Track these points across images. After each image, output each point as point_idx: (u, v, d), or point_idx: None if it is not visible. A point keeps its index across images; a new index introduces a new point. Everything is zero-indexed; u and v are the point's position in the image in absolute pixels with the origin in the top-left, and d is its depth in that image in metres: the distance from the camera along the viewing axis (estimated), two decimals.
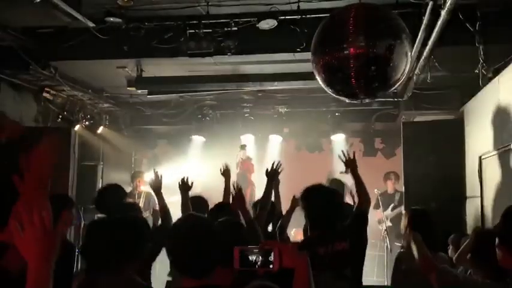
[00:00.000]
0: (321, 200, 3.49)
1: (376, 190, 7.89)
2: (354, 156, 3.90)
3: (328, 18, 3.90)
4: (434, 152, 6.79)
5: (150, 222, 7.29)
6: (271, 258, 1.78)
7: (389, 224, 7.74)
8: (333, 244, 3.36)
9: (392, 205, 8.07)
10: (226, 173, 5.10)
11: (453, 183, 6.66)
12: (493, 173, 5.50)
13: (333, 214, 3.48)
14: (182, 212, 4.42)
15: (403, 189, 7.43)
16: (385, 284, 7.81)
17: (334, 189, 3.83)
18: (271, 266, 1.78)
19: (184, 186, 4.37)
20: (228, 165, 5.21)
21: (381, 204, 7.75)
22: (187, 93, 7.56)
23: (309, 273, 1.84)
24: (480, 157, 5.93)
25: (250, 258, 1.81)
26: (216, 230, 2.26)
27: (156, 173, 4.33)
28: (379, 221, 7.90)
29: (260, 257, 1.80)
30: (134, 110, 8.85)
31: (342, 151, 3.95)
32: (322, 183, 3.97)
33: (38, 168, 1.64)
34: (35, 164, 1.65)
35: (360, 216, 3.67)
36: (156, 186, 4.26)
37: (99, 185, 8.20)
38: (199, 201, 4.70)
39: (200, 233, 2.19)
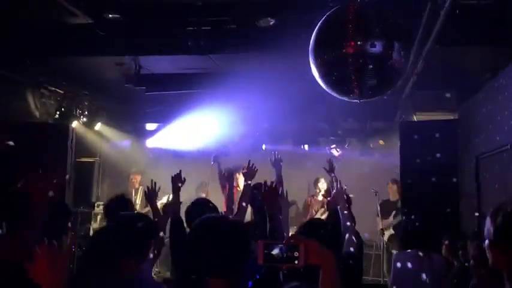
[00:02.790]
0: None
1: (373, 190, 7.89)
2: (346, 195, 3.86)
3: (327, 16, 3.89)
4: (431, 152, 6.81)
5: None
6: (297, 253, 1.72)
7: (391, 232, 7.70)
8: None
9: (394, 212, 7.98)
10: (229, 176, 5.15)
11: (450, 182, 6.68)
12: (490, 173, 5.52)
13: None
14: (172, 213, 4.31)
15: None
16: (381, 282, 7.84)
17: (335, 225, 3.65)
18: (296, 262, 1.72)
19: (177, 182, 4.13)
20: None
21: (379, 213, 7.72)
22: (185, 90, 7.55)
23: (337, 270, 1.79)
24: (477, 157, 5.94)
25: (274, 253, 1.74)
26: (240, 228, 2.23)
27: (153, 184, 4.19)
28: (381, 230, 7.83)
29: (285, 252, 1.73)
30: (132, 107, 8.83)
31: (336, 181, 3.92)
32: (323, 220, 3.87)
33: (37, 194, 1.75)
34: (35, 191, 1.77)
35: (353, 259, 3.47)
36: (151, 198, 4.14)
37: (96, 181, 8.21)
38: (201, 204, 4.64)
39: (230, 232, 2.15)
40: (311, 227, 3.15)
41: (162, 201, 7.65)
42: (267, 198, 3.32)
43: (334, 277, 1.77)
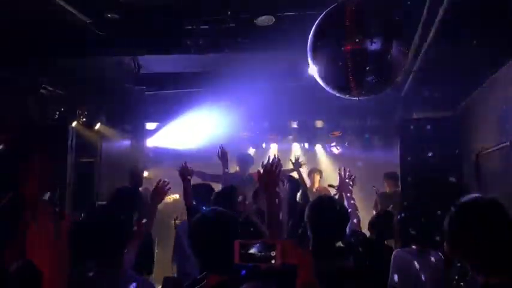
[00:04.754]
0: (329, 216, 3.29)
1: (373, 187, 7.89)
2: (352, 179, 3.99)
3: (325, 14, 3.89)
4: (431, 149, 6.81)
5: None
6: (273, 253, 1.72)
7: None
8: (334, 261, 3.26)
9: (391, 206, 7.98)
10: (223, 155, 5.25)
11: (450, 180, 6.68)
12: (490, 170, 5.52)
13: (339, 232, 3.32)
14: (185, 201, 4.46)
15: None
16: None
17: (342, 204, 3.73)
18: (273, 262, 1.72)
19: (184, 174, 4.39)
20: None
21: (379, 206, 7.71)
22: (185, 89, 7.56)
23: (313, 270, 1.79)
24: (477, 154, 5.94)
25: (251, 252, 1.74)
26: (237, 222, 2.24)
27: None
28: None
29: (262, 252, 1.73)
30: (131, 106, 8.83)
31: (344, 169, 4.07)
32: (332, 197, 3.96)
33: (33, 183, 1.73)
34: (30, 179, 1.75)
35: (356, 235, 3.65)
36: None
37: (97, 182, 8.19)
38: (204, 190, 4.69)
39: (226, 228, 2.18)
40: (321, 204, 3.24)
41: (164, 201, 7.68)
42: (265, 178, 3.02)
43: (311, 276, 1.78)
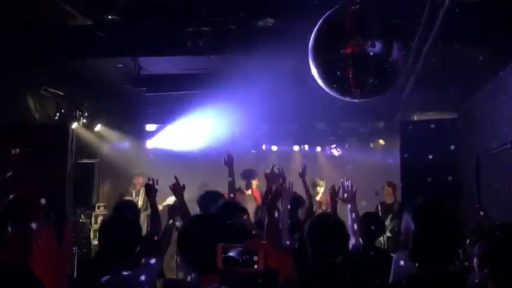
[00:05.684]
0: (327, 233, 3.31)
1: (374, 189, 7.86)
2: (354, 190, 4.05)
3: (326, 17, 3.89)
4: (432, 151, 6.79)
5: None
6: (256, 258, 1.71)
7: (388, 234, 7.63)
8: (333, 279, 3.27)
9: (390, 216, 7.93)
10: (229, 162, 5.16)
11: (451, 182, 6.67)
12: (491, 172, 5.51)
13: (337, 248, 3.34)
14: (180, 214, 4.38)
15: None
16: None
17: (342, 221, 3.76)
18: (255, 266, 1.72)
19: (176, 190, 4.17)
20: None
21: (380, 214, 7.69)
22: (185, 91, 7.56)
23: (294, 274, 1.80)
24: (478, 156, 5.93)
25: (234, 257, 1.73)
26: (229, 225, 2.25)
27: (150, 180, 4.10)
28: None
29: (244, 257, 1.73)
30: (132, 108, 8.83)
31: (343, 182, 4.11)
32: (330, 213, 3.99)
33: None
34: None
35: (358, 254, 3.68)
36: (151, 195, 4.03)
37: (97, 183, 8.19)
38: (214, 197, 4.65)
39: (216, 230, 2.17)
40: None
41: (165, 202, 7.67)
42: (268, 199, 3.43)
43: (293, 280, 1.78)
